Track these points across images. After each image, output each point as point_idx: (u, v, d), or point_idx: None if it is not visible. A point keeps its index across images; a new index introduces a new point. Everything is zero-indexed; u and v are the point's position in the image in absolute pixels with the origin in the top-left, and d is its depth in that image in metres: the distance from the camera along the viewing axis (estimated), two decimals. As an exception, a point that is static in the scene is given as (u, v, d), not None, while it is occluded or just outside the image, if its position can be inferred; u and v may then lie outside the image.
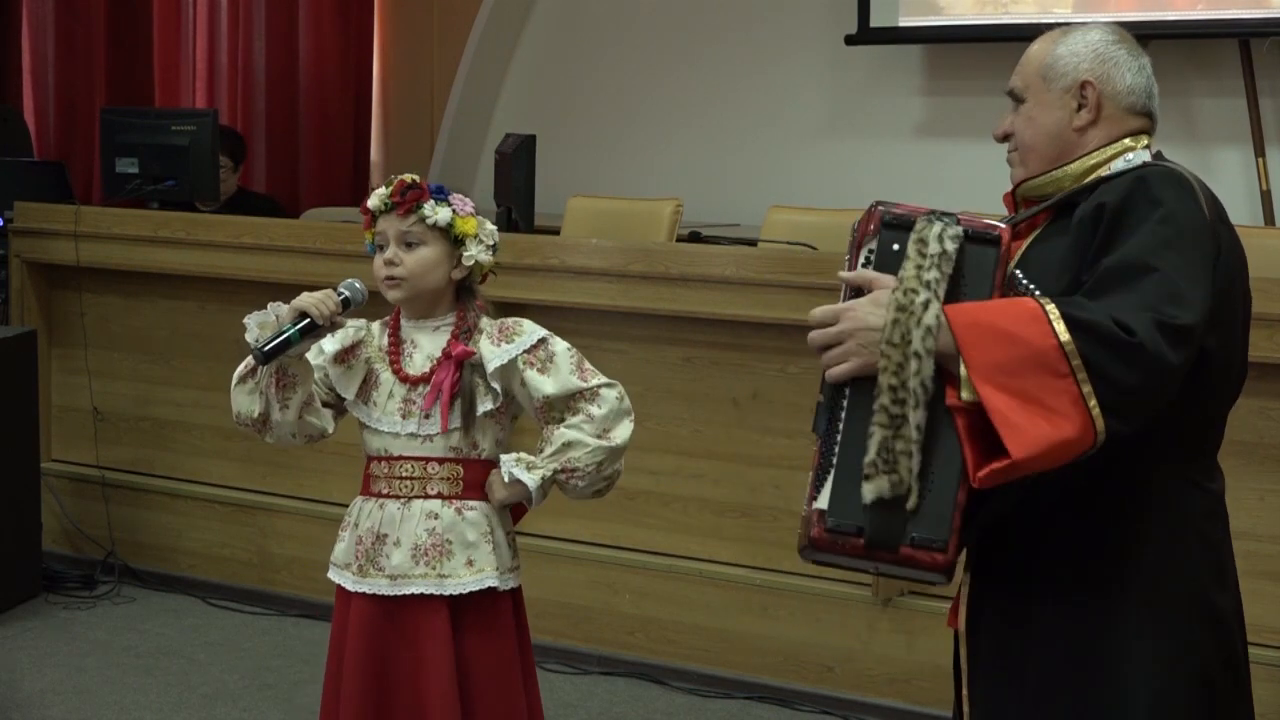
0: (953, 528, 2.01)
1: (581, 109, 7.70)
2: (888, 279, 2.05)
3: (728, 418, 4.38)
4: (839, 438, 2.06)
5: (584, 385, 2.81)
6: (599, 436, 2.79)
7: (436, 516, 2.82)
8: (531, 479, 2.76)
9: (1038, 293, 2.08)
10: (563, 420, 2.81)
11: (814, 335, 2.09)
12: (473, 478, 2.84)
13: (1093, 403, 1.94)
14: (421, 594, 2.79)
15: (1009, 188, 2.31)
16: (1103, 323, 1.95)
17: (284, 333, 2.68)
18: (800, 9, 7.17)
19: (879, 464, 2.00)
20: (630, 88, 7.59)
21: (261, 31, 7.65)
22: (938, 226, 2.05)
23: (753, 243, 5.10)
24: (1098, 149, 2.22)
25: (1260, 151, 6.08)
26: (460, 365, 2.81)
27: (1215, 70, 6.15)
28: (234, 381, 2.83)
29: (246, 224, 5.09)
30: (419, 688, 2.79)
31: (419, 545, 2.80)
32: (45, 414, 5.24)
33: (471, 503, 2.83)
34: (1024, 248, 2.20)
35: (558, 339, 2.86)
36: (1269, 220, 6.00)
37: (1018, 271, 2.14)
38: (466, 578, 2.80)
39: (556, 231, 5.61)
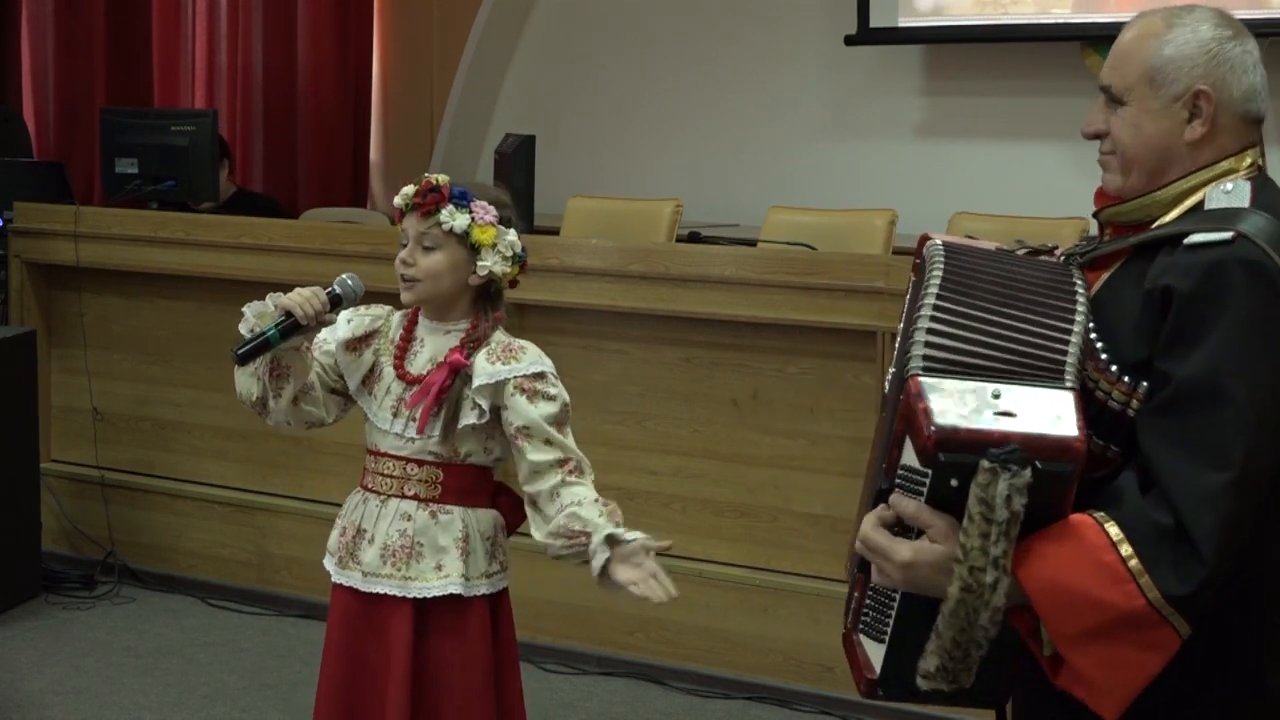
0: (1006, 689, 1.99)
1: (581, 109, 7.70)
2: (943, 528, 1.84)
3: (728, 418, 4.38)
4: (893, 611, 1.94)
5: (568, 452, 2.79)
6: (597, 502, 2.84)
7: (409, 518, 2.81)
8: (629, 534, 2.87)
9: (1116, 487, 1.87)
10: (540, 467, 2.77)
11: (870, 558, 1.93)
12: (454, 482, 2.82)
13: (1184, 630, 1.81)
14: (387, 594, 2.81)
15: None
16: (1172, 555, 1.79)
17: (263, 334, 2.68)
18: (800, 10, 7.17)
19: (938, 676, 1.88)
20: (630, 88, 7.59)
21: (260, 32, 7.64)
22: (1003, 485, 1.75)
23: (752, 243, 5.11)
24: (1200, 170, 1.99)
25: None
26: (455, 373, 2.79)
27: (1215, 70, 6.14)
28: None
29: (246, 224, 5.09)
30: (383, 683, 2.81)
31: (388, 545, 2.81)
32: (45, 414, 5.24)
33: (449, 507, 2.81)
34: (1101, 283, 2.01)
35: (559, 382, 2.82)
36: (1269, 220, 5.99)
37: (1091, 326, 1.93)
38: (432, 582, 2.79)
39: (556, 231, 5.61)
